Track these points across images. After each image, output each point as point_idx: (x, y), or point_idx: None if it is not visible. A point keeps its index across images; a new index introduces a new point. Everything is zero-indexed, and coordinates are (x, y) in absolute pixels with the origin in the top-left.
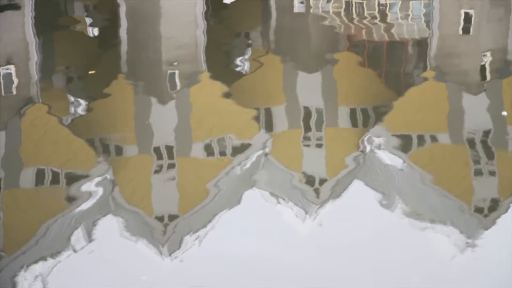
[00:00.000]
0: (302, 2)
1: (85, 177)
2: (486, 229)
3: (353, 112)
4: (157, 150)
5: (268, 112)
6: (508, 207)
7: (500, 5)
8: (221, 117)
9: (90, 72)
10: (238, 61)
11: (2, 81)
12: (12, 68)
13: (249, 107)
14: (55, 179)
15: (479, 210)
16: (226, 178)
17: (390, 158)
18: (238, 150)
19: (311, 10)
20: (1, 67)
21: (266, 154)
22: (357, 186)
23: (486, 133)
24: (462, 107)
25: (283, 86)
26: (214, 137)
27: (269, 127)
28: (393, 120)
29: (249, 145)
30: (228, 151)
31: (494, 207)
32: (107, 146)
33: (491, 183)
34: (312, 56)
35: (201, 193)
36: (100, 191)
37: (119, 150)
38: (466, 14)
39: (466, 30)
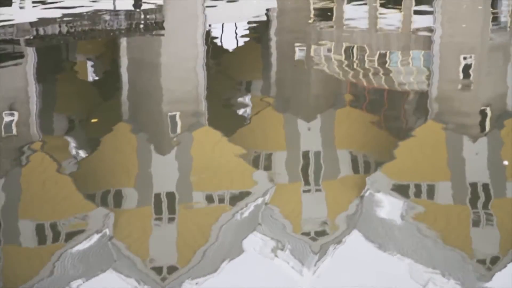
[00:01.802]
0: (302, 49)
1: (83, 230)
2: (487, 281)
3: (353, 160)
4: (157, 198)
5: (269, 161)
6: (510, 260)
7: (499, 52)
8: (222, 166)
9: (92, 121)
10: (238, 109)
11: (2, 128)
12: (13, 115)
13: (249, 155)
14: (55, 236)
15: (480, 261)
16: (225, 227)
17: (390, 208)
18: (238, 198)
19: (312, 58)
20: (2, 114)
21: (266, 203)
22: (356, 237)
23: (486, 182)
24: (462, 156)
25: (283, 135)
26: (215, 186)
27: (269, 176)
28: (393, 168)
29: (248, 193)
30: (228, 200)
31: (495, 260)
32: (106, 195)
33: (492, 234)
34: (313, 105)
35: (200, 240)
36: (98, 243)
37: (118, 200)
38: (466, 62)
39: (465, 78)
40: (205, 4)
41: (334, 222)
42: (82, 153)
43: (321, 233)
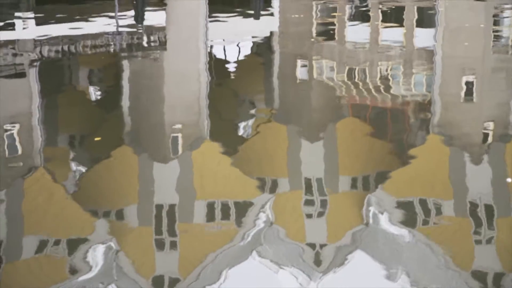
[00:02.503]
0: (304, 66)
1: (87, 245)
2: None
3: (354, 178)
4: (158, 216)
5: (270, 179)
6: None
7: (501, 72)
8: (223, 183)
9: (96, 139)
10: (240, 127)
11: (6, 145)
12: (15, 133)
13: (251, 173)
14: (57, 249)
15: (481, 280)
16: (227, 249)
17: (393, 227)
18: (239, 214)
19: (314, 77)
20: (5, 132)
21: (271, 224)
22: (360, 256)
23: (489, 200)
24: (465, 173)
25: (286, 153)
26: (216, 202)
27: (271, 192)
28: (395, 186)
29: (250, 205)
30: (230, 216)
31: (499, 277)
32: (108, 212)
33: (494, 253)
34: (315, 123)
35: (200, 259)
36: (102, 259)
37: (120, 217)
38: (468, 81)
39: (468, 97)
40: (208, 22)
41: (337, 240)
42: (84, 172)
43: (322, 248)
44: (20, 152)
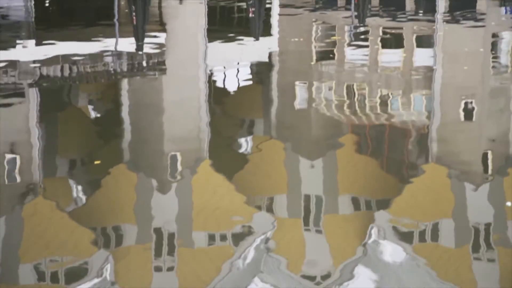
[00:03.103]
0: (303, 87)
1: (85, 270)
2: None
3: (355, 201)
4: (158, 238)
5: (270, 199)
6: None
7: (501, 95)
8: (222, 204)
9: (96, 162)
10: (240, 147)
11: (5, 169)
12: (15, 156)
13: (250, 193)
14: (55, 277)
15: None
16: (227, 273)
17: (394, 250)
18: (240, 236)
19: (313, 98)
20: (5, 155)
21: (268, 250)
22: (361, 279)
23: (489, 224)
24: (465, 197)
25: (285, 173)
26: (215, 222)
27: (270, 213)
28: (396, 209)
29: (250, 228)
30: (229, 237)
31: None
32: (107, 235)
33: (494, 276)
34: (314, 144)
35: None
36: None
37: (119, 239)
38: (467, 104)
39: (467, 121)
40: (207, 46)
41: (336, 266)
42: (83, 195)
43: (324, 277)
44: (18, 176)
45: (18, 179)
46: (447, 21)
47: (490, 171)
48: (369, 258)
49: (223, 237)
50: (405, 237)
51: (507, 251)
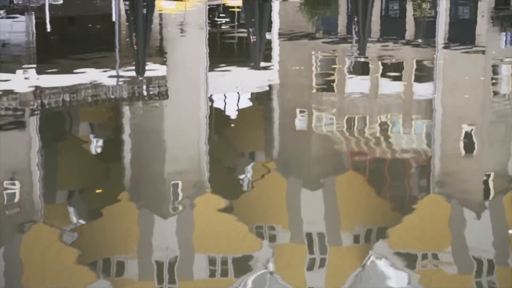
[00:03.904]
0: (303, 116)
1: None
2: None
3: (355, 231)
4: (159, 270)
5: (271, 230)
6: None
7: (501, 123)
8: (223, 234)
9: (97, 191)
10: (241, 178)
11: (5, 198)
12: (15, 185)
13: (251, 223)
14: None
15: None
16: None
17: (393, 277)
18: (240, 267)
19: (313, 127)
20: (5, 184)
21: (271, 273)
22: None
23: (489, 253)
24: (465, 226)
25: (285, 204)
26: (216, 255)
27: (271, 243)
28: (396, 239)
29: (251, 258)
30: (230, 269)
31: None
32: (108, 266)
33: None
34: (315, 174)
35: None
36: None
37: (120, 270)
38: (467, 132)
39: (467, 149)
40: (208, 72)
41: None
42: (84, 223)
43: None
44: (18, 205)
45: (18, 209)
46: (447, 49)
47: (490, 199)
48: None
49: (224, 271)
50: (404, 265)
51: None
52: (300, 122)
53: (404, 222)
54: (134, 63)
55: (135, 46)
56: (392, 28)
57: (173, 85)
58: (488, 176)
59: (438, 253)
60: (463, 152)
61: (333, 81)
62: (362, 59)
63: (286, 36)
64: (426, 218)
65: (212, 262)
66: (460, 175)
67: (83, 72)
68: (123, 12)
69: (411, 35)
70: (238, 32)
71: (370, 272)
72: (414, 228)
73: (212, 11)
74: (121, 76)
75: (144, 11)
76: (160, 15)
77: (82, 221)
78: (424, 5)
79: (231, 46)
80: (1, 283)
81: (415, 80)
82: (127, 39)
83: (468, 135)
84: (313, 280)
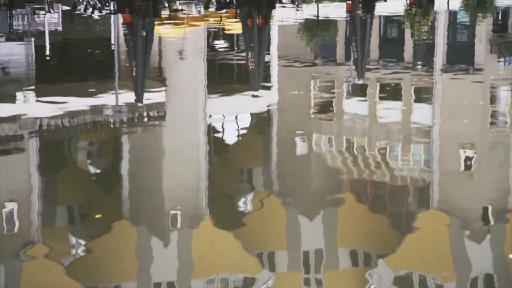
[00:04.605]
0: (303, 140)
1: None
2: None
3: (354, 254)
4: None
5: (271, 256)
6: None
7: (500, 147)
8: (223, 260)
9: (96, 216)
10: (240, 202)
11: (4, 220)
12: (14, 208)
13: (251, 249)
14: None
15: None
16: None
17: None
18: None
19: (312, 151)
20: (4, 207)
21: None
22: None
23: (490, 277)
24: (466, 249)
25: (285, 229)
26: (216, 277)
27: (271, 269)
28: (396, 262)
29: (252, 281)
30: None
31: None
32: None
33: None
34: (314, 199)
35: None
36: None
37: None
38: (467, 156)
39: (467, 174)
40: (207, 98)
41: None
42: (83, 249)
43: None
44: (17, 229)
45: (16, 233)
46: (446, 73)
47: (490, 224)
48: None
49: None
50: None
51: None
52: (299, 146)
53: (402, 246)
54: (133, 88)
55: (134, 71)
56: (391, 52)
57: (172, 109)
58: (488, 200)
59: (438, 276)
60: (462, 176)
61: (332, 105)
62: (361, 83)
63: (285, 60)
64: (425, 243)
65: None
66: (459, 199)
67: (82, 97)
68: (122, 37)
69: (410, 59)
70: (237, 56)
71: None
72: (413, 251)
73: (211, 35)
74: (120, 101)
75: (144, 35)
76: (160, 39)
77: (80, 247)
78: (422, 29)
79: (230, 70)
80: None
81: (414, 104)
82: (127, 64)
83: (467, 160)
84: None
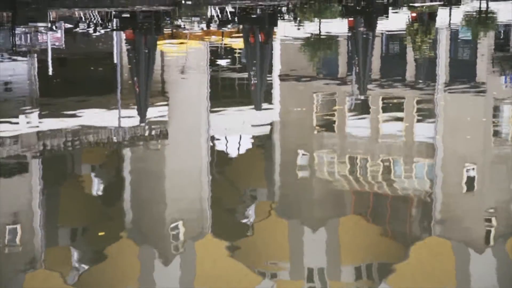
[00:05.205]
0: (305, 157)
1: None
2: None
3: (357, 270)
4: None
5: (273, 271)
6: None
7: (502, 164)
8: (226, 277)
9: (100, 234)
10: (242, 220)
11: (6, 240)
12: (16, 227)
13: (253, 265)
14: None
15: None
16: None
17: None
18: None
19: (315, 168)
20: (6, 226)
21: None
22: None
23: None
24: (469, 267)
25: (288, 244)
26: None
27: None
28: (399, 279)
29: None
30: None
31: None
32: None
33: None
34: (317, 215)
35: None
36: None
37: None
38: (469, 173)
39: (469, 190)
40: (209, 115)
41: None
42: (86, 267)
43: None
44: (20, 248)
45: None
46: (448, 89)
47: (492, 240)
48: None
49: None
50: None
51: None
52: (301, 163)
53: (406, 263)
54: (135, 105)
55: (137, 88)
56: (393, 69)
57: (174, 126)
58: (490, 216)
59: None
60: (465, 193)
61: (334, 121)
62: (363, 100)
63: (287, 77)
64: (428, 259)
65: None
66: (462, 216)
67: (85, 115)
68: (125, 55)
69: (412, 75)
70: (239, 73)
71: None
72: (415, 269)
73: (214, 52)
74: (123, 118)
75: (146, 52)
76: (162, 56)
77: (84, 265)
78: (424, 46)
79: (232, 87)
80: None
81: (416, 121)
82: (129, 82)
83: (470, 176)
84: None
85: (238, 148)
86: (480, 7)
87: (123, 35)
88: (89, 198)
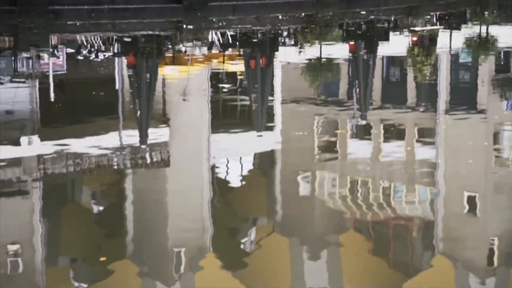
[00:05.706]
0: (306, 181)
1: None
2: None
3: None
4: None
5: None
6: None
7: (504, 188)
8: None
9: (101, 259)
10: (243, 242)
11: (8, 264)
12: (17, 251)
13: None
14: None
15: None
16: None
17: None
18: None
19: (316, 191)
20: (6, 251)
21: None
22: None
23: None
24: None
25: (289, 268)
26: None
27: None
28: None
29: None
30: None
31: None
32: None
33: None
34: (318, 239)
35: None
36: None
37: None
38: (470, 198)
39: (471, 214)
40: (210, 139)
41: None
42: None
43: None
44: (21, 272)
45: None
46: (449, 113)
47: (495, 265)
48: None
49: None
50: None
51: None
52: (302, 186)
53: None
54: (137, 130)
55: (138, 113)
56: (394, 93)
57: (175, 150)
58: (493, 242)
59: None
60: (466, 218)
61: (335, 145)
62: (364, 123)
63: (288, 100)
64: (431, 282)
65: None
66: (464, 241)
67: (86, 139)
68: (126, 79)
69: (413, 99)
70: (240, 97)
71: None
72: None
73: (215, 76)
74: (124, 143)
75: (147, 77)
76: (163, 81)
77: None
78: (424, 70)
79: (233, 111)
80: None
81: (417, 145)
82: (131, 106)
83: (471, 201)
84: None
85: (240, 171)
86: (480, 32)
87: (125, 60)
88: (90, 222)
